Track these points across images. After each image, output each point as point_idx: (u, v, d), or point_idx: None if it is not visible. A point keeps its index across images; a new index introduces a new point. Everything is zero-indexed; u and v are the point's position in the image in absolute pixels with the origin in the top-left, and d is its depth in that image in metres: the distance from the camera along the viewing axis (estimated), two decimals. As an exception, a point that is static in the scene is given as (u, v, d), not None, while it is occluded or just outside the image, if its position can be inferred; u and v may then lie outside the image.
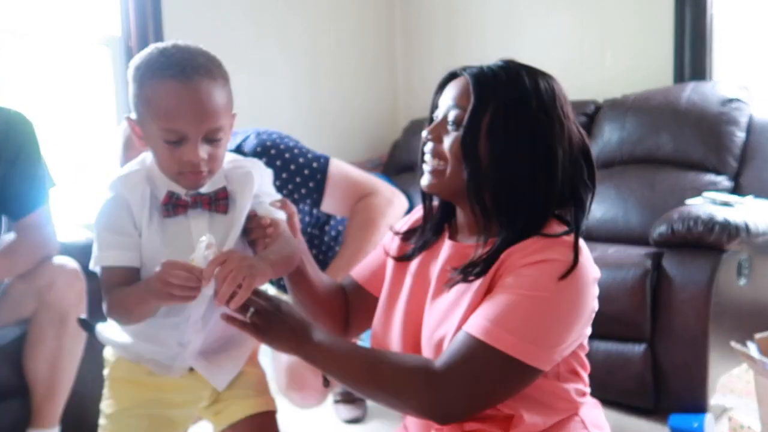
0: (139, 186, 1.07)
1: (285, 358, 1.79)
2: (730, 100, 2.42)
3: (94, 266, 1.09)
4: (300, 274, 1.14)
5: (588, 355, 1.05)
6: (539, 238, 0.95)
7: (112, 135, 1.76)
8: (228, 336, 1.17)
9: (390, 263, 1.15)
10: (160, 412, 1.21)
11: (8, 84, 2.60)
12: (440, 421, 0.95)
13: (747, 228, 1.87)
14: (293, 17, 3.34)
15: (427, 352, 1.01)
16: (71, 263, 1.66)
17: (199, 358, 1.16)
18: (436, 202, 1.12)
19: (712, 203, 2.07)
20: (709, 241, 1.86)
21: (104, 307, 1.09)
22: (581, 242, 0.97)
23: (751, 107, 2.45)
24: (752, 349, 1.60)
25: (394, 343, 1.07)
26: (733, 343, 1.64)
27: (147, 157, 1.11)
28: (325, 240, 1.85)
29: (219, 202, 1.06)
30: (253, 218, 1.10)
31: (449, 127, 1.00)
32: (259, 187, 1.12)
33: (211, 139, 1.01)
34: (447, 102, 1.02)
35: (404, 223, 1.19)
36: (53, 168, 1.77)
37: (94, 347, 1.77)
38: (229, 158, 1.12)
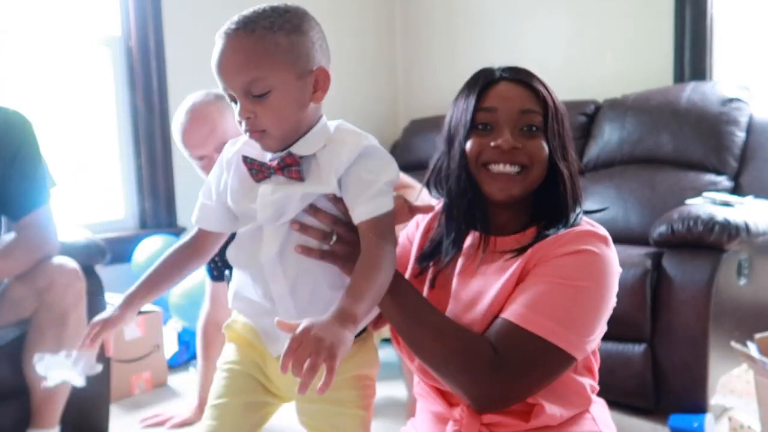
0: (231, 150, 1.04)
1: None
2: (730, 100, 2.42)
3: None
4: None
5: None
6: (570, 230, 0.99)
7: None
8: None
9: (413, 251, 1.15)
10: (259, 379, 1.08)
11: (8, 84, 2.60)
12: (484, 408, 0.97)
13: (747, 228, 1.87)
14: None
15: None
16: (71, 263, 1.65)
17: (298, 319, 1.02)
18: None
19: (712, 203, 2.07)
20: (709, 241, 1.86)
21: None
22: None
23: (751, 107, 2.45)
24: (752, 349, 1.60)
25: None
26: (733, 343, 1.64)
27: None
28: None
29: (289, 168, 0.95)
30: (335, 203, 0.98)
31: (525, 131, 1.02)
32: (359, 168, 0.96)
33: (253, 94, 0.92)
34: (511, 107, 1.02)
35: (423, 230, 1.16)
36: (53, 168, 1.77)
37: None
38: (345, 126, 1.00)
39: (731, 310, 1.95)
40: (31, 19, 2.69)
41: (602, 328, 0.98)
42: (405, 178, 1.88)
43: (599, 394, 1.08)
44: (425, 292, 1.08)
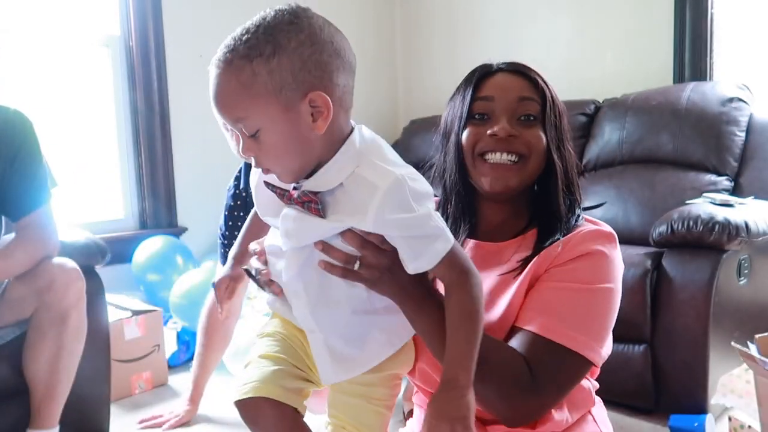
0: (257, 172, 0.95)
1: None
2: (730, 100, 2.42)
3: None
4: None
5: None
6: (577, 231, 0.98)
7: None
8: (356, 333, 0.93)
9: None
10: (302, 355, 0.99)
11: (8, 84, 2.60)
12: (514, 426, 0.94)
13: (747, 228, 1.87)
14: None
15: None
16: (71, 263, 1.65)
17: (324, 350, 0.92)
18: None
19: (712, 203, 2.07)
20: (709, 241, 1.86)
21: None
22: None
23: (751, 107, 2.45)
24: (752, 349, 1.60)
25: None
26: (733, 343, 1.63)
27: None
28: None
29: (308, 204, 0.85)
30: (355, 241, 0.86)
31: (523, 120, 1.00)
32: (387, 221, 0.81)
33: (243, 131, 0.82)
34: (508, 96, 1.00)
35: None
36: (54, 168, 1.77)
37: (93, 347, 1.77)
38: (371, 158, 0.84)
39: (731, 310, 1.95)
40: (31, 19, 2.69)
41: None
42: None
43: (597, 393, 1.09)
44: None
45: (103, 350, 1.89)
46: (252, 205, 1.82)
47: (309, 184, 0.84)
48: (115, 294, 2.54)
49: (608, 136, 2.65)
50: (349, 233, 0.85)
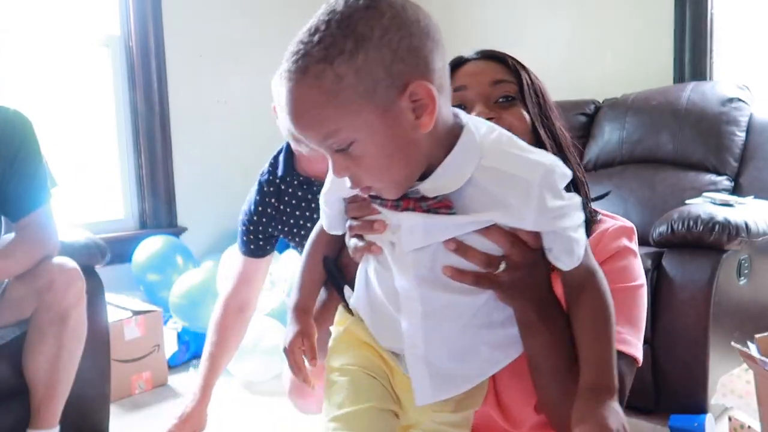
0: None
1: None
2: (730, 100, 2.42)
3: None
4: None
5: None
6: (604, 229, 0.95)
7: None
8: (465, 347, 0.80)
9: None
10: (386, 386, 0.86)
11: (8, 84, 2.60)
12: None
13: (747, 228, 1.87)
14: (294, 18, 3.33)
15: None
16: (71, 263, 1.65)
17: (423, 368, 0.80)
18: None
19: (712, 203, 2.07)
20: (709, 241, 1.86)
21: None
22: None
23: (751, 107, 2.45)
24: (752, 349, 1.60)
25: None
26: (733, 343, 1.63)
27: None
28: None
29: (436, 210, 0.73)
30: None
31: (501, 102, 0.94)
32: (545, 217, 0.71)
33: (335, 149, 0.70)
34: (481, 81, 0.94)
35: None
36: (54, 168, 1.77)
37: (93, 347, 1.77)
38: (505, 145, 0.73)
39: (731, 310, 1.95)
40: (31, 19, 2.69)
41: None
42: None
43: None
44: None
45: (103, 350, 1.89)
46: (285, 195, 1.78)
47: (426, 188, 0.72)
48: (115, 294, 2.54)
49: (608, 136, 2.65)
50: (495, 230, 0.73)
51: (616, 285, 0.87)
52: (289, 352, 0.88)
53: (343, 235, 0.86)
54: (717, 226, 1.84)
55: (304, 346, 0.87)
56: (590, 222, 0.96)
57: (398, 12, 0.67)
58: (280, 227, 1.78)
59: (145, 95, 2.95)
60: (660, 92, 2.60)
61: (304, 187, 1.73)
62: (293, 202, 1.75)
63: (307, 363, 0.87)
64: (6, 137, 1.59)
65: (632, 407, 2.02)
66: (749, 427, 1.71)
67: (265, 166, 1.81)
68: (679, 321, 1.91)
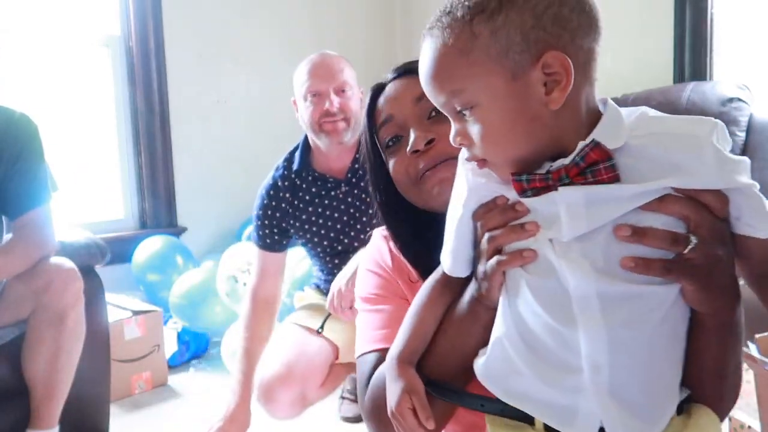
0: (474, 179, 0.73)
1: (260, 370, 1.75)
2: (730, 100, 2.41)
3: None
4: None
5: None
6: None
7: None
8: (654, 370, 0.65)
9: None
10: None
11: (8, 84, 2.60)
12: None
13: (747, 228, 1.87)
14: (293, 18, 3.33)
15: None
16: (68, 263, 1.65)
17: (609, 401, 0.63)
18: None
19: (712, 203, 2.06)
20: (709, 241, 1.85)
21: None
22: None
23: (751, 107, 2.45)
24: (752, 349, 1.60)
25: None
26: (733, 343, 1.63)
27: None
28: None
29: (595, 168, 0.62)
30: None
31: (435, 117, 0.85)
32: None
33: (456, 111, 0.67)
34: (403, 104, 0.88)
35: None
36: (55, 170, 1.77)
37: (93, 347, 1.77)
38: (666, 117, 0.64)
39: (731, 310, 1.95)
40: (31, 19, 2.69)
41: None
42: None
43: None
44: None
45: (103, 350, 1.89)
46: (299, 191, 1.80)
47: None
48: (115, 294, 2.54)
49: (608, 136, 2.64)
50: (671, 199, 0.61)
51: None
52: (399, 415, 0.72)
53: (456, 290, 0.76)
54: (717, 226, 1.83)
55: (413, 405, 0.71)
56: None
57: None
58: (292, 222, 1.82)
59: (145, 95, 2.95)
60: (660, 92, 2.60)
61: (319, 183, 1.76)
62: (306, 197, 1.79)
63: (422, 423, 0.70)
64: (10, 138, 1.60)
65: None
66: (749, 427, 1.71)
67: (280, 161, 1.86)
68: (679, 321, 1.90)
